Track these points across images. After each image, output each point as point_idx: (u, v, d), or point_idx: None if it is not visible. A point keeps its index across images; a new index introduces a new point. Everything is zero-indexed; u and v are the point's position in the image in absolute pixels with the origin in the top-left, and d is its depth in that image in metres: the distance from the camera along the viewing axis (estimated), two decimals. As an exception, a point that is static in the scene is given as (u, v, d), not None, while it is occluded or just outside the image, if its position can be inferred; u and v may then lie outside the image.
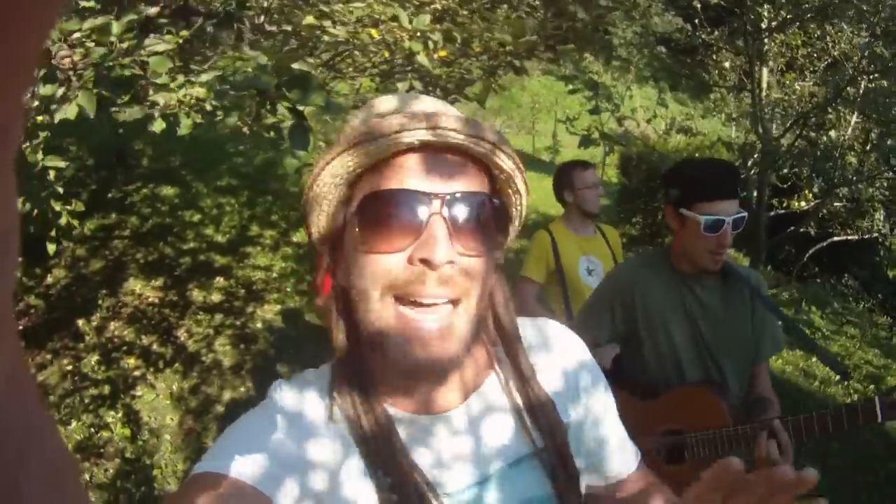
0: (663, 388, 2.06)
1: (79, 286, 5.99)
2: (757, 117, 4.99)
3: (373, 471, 0.76)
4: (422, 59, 1.95)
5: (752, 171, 5.02)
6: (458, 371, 0.83)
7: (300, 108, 1.35)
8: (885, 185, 5.87)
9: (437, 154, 0.75)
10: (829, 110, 5.31)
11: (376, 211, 0.74)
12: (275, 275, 6.33)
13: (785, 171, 5.96)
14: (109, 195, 7.43)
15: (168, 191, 7.59)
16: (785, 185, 6.98)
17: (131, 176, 7.68)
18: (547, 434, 0.85)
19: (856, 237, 5.68)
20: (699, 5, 5.60)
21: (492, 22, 2.32)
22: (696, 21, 5.66)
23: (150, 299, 5.85)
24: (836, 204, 6.01)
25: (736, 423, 1.87)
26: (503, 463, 0.83)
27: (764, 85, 5.25)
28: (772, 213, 6.12)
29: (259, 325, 5.57)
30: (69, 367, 5.00)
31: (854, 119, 5.50)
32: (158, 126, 1.45)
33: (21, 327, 5.25)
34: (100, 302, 5.71)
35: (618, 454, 0.97)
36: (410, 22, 1.99)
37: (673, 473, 1.95)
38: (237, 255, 6.70)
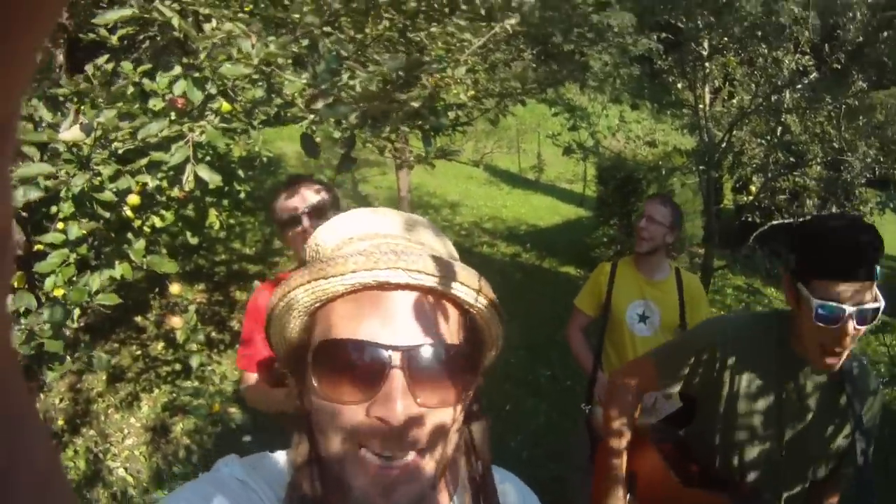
0: (704, 475, 1.88)
1: (127, 290, 7.32)
2: (700, 126, 6.83)
3: None
4: (462, 96, 3.60)
5: (702, 171, 6.75)
6: None
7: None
8: (815, 176, 7.81)
9: (402, 293, 0.76)
10: (758, 118, 7.20)
11: (332, 361, 0.75)
12: (308, 276, 7.71)
13: (724, 170, 7.89)
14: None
15: (187, 211, 9.02)
16: (738, 185, 9.07)
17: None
18: None
19: (791, 220, 7.39)
20: (655, 37, 7.33)
21: (504, 73, 4.02)
22: (655, 49, 7.39)
23: (199, 299, 7.25)
24: (780, 197, 7.84)
25: None
26: None
27: (707, 101, 7.07)
28: (720, 206, 8.09)
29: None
30: (138, 353, 6.12)
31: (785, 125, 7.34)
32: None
33: (83, 324, 6.54)
34: (152, 302, 6.83)
35: None
36: (453, 73, 3.65)
37: None
38: (267, 263, 7.96)
